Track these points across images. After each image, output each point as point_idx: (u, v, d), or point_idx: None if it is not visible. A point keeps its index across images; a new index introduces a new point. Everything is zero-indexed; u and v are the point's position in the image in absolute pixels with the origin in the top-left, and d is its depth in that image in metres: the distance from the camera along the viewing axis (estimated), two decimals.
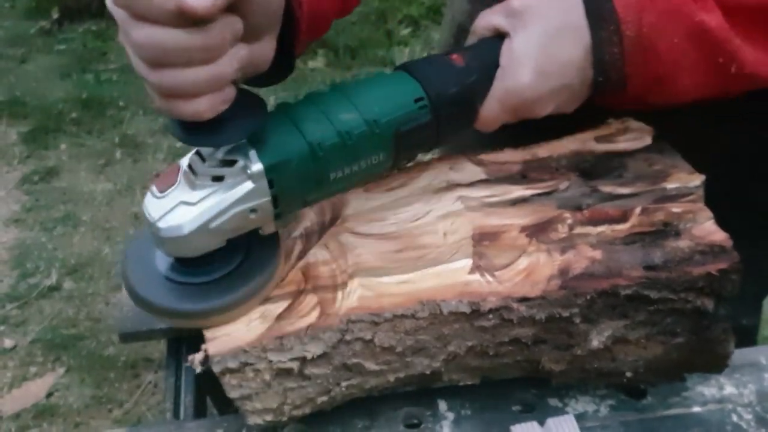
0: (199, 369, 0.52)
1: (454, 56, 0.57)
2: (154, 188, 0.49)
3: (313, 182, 0.51)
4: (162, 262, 0.53)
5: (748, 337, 0.86)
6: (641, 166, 0.62)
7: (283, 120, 0.50)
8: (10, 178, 2.27)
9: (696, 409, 0.60)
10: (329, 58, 2.82)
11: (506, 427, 0.57)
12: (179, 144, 2.60)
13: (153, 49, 0.41)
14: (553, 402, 0.61)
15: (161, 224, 0.48)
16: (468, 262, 0.55)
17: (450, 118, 0.55)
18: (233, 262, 0.53)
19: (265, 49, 0.47)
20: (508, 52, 0.56)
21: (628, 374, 0.58)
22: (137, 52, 0.42)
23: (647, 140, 0.64)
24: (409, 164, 0.59)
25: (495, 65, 0.57)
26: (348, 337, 0.52)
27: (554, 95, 0.56)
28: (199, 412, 0.73)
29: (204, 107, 0.44)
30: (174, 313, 0.51)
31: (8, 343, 1.73)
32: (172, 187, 0.49)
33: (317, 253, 0.57)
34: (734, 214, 0.57)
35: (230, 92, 0.45)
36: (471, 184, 0.62)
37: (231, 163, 0.48)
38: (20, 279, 1.90)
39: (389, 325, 0.52)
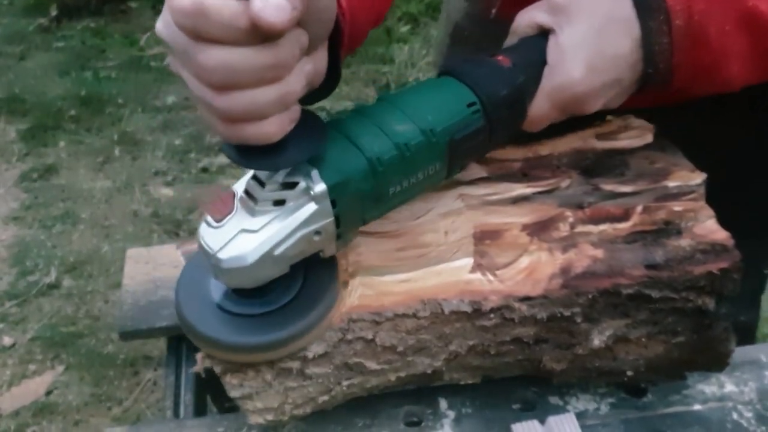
0: (201, 369, 0.52)
1: (500, 57, 0.55)
2: (208, 218, 0.47)
3: (373, 199, 0.49)
4: (220, 292, 0.51)
5: (747, 334, 0.86)
6: (643, 164, 0.62)
7: (338, 137, 0.48)
8: (9, 176, 2.27)
9: (696, 407, 0.60)
10: None
11: (507, 426, 0.57)
12: (178, 141, 2.59)
13: (222, 72, 0.39)
14: (554, 400, 0.61)
15: (222, 255, 0.45)
16: (469, 261, 0.55)
17: (502, 121, 0.54)
18: (294, 288, 0.51)
19: (321, 61, 0.46)
20: (555, 48, 0.55)
21: (629, 373, 0.58)
22: (204, 77, 0.39)
23: (649, 138, 0.64)
24: (460, 172, 0.57)
25: (542, 63, 0.56)
26: (349, 336, 0.52)
27: (605, 90, 0.55)
28: (199, 410, 0.73)
29: (273, 129, 0.41)
30: (241, 347, 0.49)
31: (7, 340, 1.73)
32: (230, 216, 0.46)
33: None
34: (731, 209, 0.57)
35: (296, 111, 0.43)
36: (472, 182, 0.62)
37: (292, 185, 0.46)
38: (19, 277, 1.90)
39: (390, 324, 0.52)
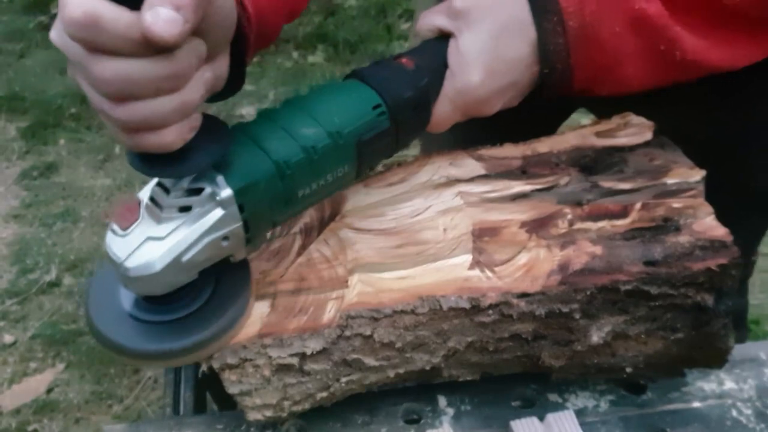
0: (205, 366, 0.52)
1: (404, 59, 0.56)
2: (114, 226, 0.46)
3: (282, 202, 0.49)
4: (129, 299, 0.50)
5: (736, 321, 0.87)
6: (642, 161, 0.62)
7: (245, 141, 0.48)
8: (9, 174, 2.27)
9: (696, 404, 0.60)
10: (328, 53, 2.81)
11: (506, 423, 0.57)
12: None
13: (119, 83, 0.38)
14: (553, 397, 0.61)
15: (129, 263, 0.45)
16: (468, 258, 0.55)
17: (407, 122, 0.54)
18: (204, 294, 0.51)
19: (222, 67, 0.45)
20: (455, 52, 0.56)
21: (628, 369, 0.58)
22: (100, 88, 0.39)
23: (648, 135, 0.64)
24: (370, 173, 0.58)
25: (444, 66, 0.57)
26: (347, 333, 0.52)
27: (503, 93, 0.57)
28: (199, 407, 0.73)
29: (173, 138, 0.41)
30: (149, 354, 0.49)
31: (8, 338, 1.73)
32: (136, 223, 0.46)
33: (317, 249, 0.57)
34: (718, 195, 0.58)
35: (197, 119, 0.43)
36: (471, 180, 0.62)
37: (198, 191, 0.45)
38: (20, 275, 1.90)
39: (389, 320, 0.52)
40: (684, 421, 0.59)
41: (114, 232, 0.46)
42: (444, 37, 0.58)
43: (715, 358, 0.58)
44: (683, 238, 0.54)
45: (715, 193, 0.59)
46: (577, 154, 0.63)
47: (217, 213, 0.46)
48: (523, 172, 0.62)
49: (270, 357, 0.51)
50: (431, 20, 0.59)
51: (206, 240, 0.46)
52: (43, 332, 1.74)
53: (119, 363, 1.66)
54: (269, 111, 0.51)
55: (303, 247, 0.57)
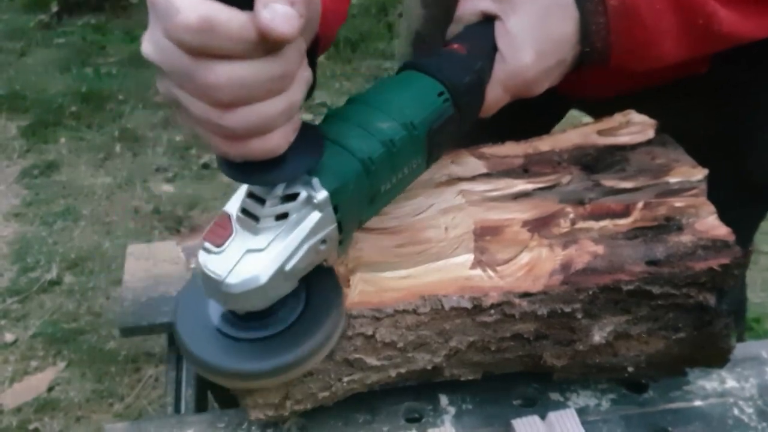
0: None
1: (455, 46, 0.56)
2: (207, 245, 0.45)
3: (368, 200, 0.49)
4: (221, 318, 0.49)
5: (735, 315, 0.87)
6: (644, 160, 0.61)
7: (327, 143, 0.47)
8: (10, 173, 2.27)
9: (697, 403, 0.60)
10: (329, 51, 2.81)
11: (507, 421, 0.57)
12: (179, 137, 2.59)
13: (233, 88, 0.37)
14: (555, 396, 0.61)
15: (232, 280, 0.44)
16: (470, 257, 0.55)
17: (468, 107, 0.55)
18: (299, 306, 0.50)
19: (309, 67, 0.45)
20: (504, 35, 0.57)
21: (630, 369, 0.58)
22: (211, 96, 0.37)
23: (650, 134, 0.64)
24: (436, 162, 0.58)
25: (493, 49, 0.57)
26: (349, 332, 0.52)
27: (551, 72, 0.57)
28: (201, 406, 0.73)
29: (279, 141, 0.40)
30: (254, 374, 0.48)
31: (9, 337, 1.73)
32: (230, 238, 0.45)
33: None
34: (717, 187, 0.59)
35: (298, 120, 0.42)
36: (473, 178, 0.62)
37: (293, 197, 0.44)
38: (21, 273, 1.90)
39: (391, 320, 0.52)
40: (685, 419, 0.59)
41: (208, 250, 0.45)
42: (488, 21, 0.58)
43: (717, 358, 0.58)
44: (685, 238, 0.54)
45: (714, 186, 0.59)
46: (579, 152, 0.63)
47: (315, 216, 0.45)
48: (525, 170, 0.62)
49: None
50: (474, 4, 0.59)
51: (306, 245, 0.45)
52: (44, 331, 1.74)
53: (121, 361, 1.66)
54: (339, 111, 0.51)
55: None
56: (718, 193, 0.58)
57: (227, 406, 0.69)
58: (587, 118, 0.86)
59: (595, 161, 0.63)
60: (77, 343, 1.71)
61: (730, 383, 0.62)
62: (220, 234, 0.45)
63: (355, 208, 0.49)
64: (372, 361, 0.53)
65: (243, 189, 0.46)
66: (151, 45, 0.38)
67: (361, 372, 0.54)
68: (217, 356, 0.48)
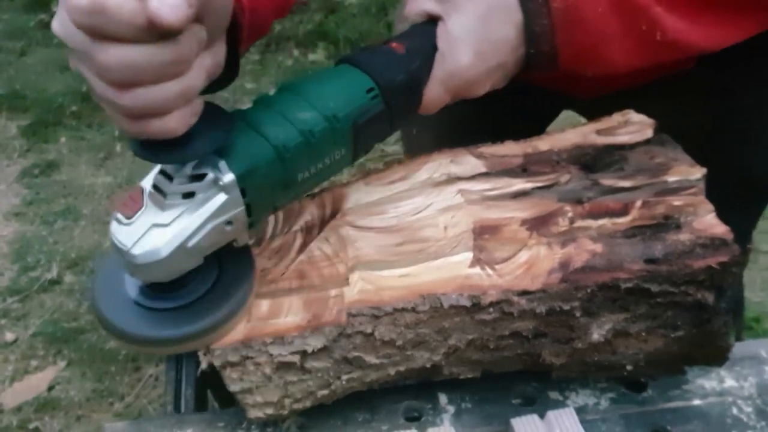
0: (205, 363, 0.52)
1: (394, 44, 0.57)
2: (119, 215, 0.47)
3: (282, 186, 0.50)
4: (134, 287, 0.51)
5: (734, 312, 0.87)
6: (642, 159, 0.61)
7: (243, 127, 0.49)
8: (10, 172, 2.27)
9: (696, 402, 0.60)
10: (329, 50, 2.81)
11: (506, 420, 0.58)
12: None
13: (124, 70, 0.39)
14: (554, 395, 0.61)
15: (136, 251, 0.46)
16: (468, 256, 0.55)
17: (400, 105, 0.55)
18: (209, 281, 0.52)
19: (220, 54, 0.46)
20: (444, 35, 0.57)
21: (629, 367, 0.58)
22: (105, 76, 0.40)
23: (648, 133, 0.64)
24: (364, 156, 0.59)
25: (433, 49, 0.57)
26: (348, 331, 0.52)
27: (491, 74, 0.58)
28: (200, 405, 0.73)
29: (176, 123, 0.42)
30: (153, 341, 0.50)
31: (9, 336, 1.73)
32: (140, 211, 0.47)
33: (318, 247, 0.57)
34: (714, 184, 0.59)
35: (199, 104, 0.44)
36: (471, 178, 0.62)
37: (200, 177, 0.46)
38: (21, 272, 1.90)
39: (390, 318, 0.52)
40: (684, 418, 0.59)
41: (119, 221, 0.47)
42: (432, 21, 0.59)
43: (716, 356, 0.58)
44: (684, 236, 0.54)
45: (712, 184, 0.59)
46: (578, 152, 0.63)
47: (221, 198, 0.47)
48: (523, 170, 0.62)
49: (271, 355, 0.51)
50: (419, 5, 0.60)
51: (210, 225, 0.47)
52: (45, 330, 1.74)
53: (121, 361, 1.66)
54: (265, 97, 0.52)
55: (304, 245, 0.57)
56: (716, 190, 0.59)
57: (227, 405, 0.69)
58: (582, 119, 0.86)
59: (593, 160, 0.63)
60: (77, 343, 1.71)
61: (729, 382, 0.62)
62: (131, 206, 0.47)
63: (267, 193, 0.50)
64: (371, 359, 0.53)
65: (158, 166, 0.47)
66: (57, 22, 0.41)
67: (360, 370, 0.54)
68: (132, 325, 0.50)
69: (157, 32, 0.38)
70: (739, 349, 0.61)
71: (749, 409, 0.60)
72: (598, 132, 0.65)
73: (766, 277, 1.72)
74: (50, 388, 1.61)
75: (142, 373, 1.64)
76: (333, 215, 0.60)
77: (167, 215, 0.46)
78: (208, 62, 0.44)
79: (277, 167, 0.49)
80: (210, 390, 0.79)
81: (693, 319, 0.55)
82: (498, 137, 0.66)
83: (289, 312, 0.52)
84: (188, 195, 0.46)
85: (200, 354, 0.52)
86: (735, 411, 0.60)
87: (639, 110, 0.68)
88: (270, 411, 0.54)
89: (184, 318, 0.50)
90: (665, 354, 0.57)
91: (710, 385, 0.62)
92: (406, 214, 0.59)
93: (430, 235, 0.57)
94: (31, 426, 1.53)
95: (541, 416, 0.57)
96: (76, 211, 2.10)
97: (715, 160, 0.62)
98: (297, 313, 0.52)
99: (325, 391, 0.55)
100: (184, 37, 0.40)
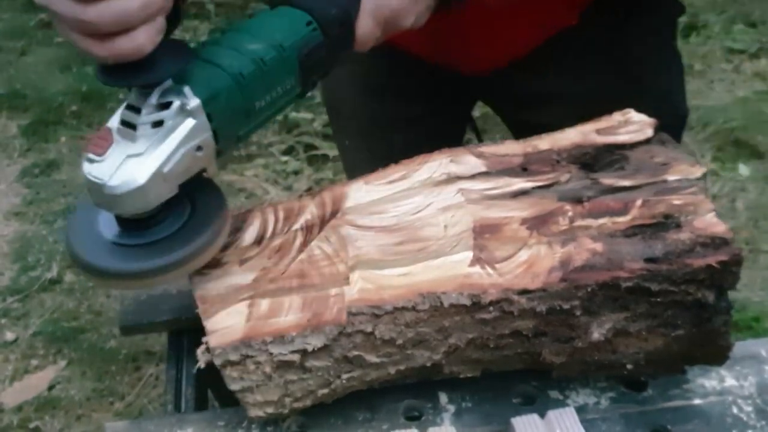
0: (203, 362, 0.52)
1: None
2: (90, 155, 0.49)
3: (243, 114, 0.53)
4: (110, 229, 0.54)
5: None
6: (642, 159, 0.61)
7: (199, 62, 0.51)
8: (10, 171, 2.27)
9: (696, 401, 0.60)
10: None
11: (507, 420, 0.57)
12: None
13: None
14: (554, 394, 0.61)
15: (114, 182, 0.48)
16: (469, 255, 0.55)
17: (336, 37, 0.58)
18: (182, 217, 0.54)
19: None
20: None
21: (629, 366, 0.58)
22: None
23: (648, 133, 0.64)
24: (312, 90, 0.62)
25: None
26: (348, 330, 0.52)
27: (414, 5, 0.61)
28: (201, 404, 0.73)
29: (144, 39, 0.44)
30: (133, 273, 0.52)
31: (9, 335, 1.73)
32: (111, 147, 0.49)
33: (318, 246, 0.57)
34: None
35: (161, 22, 0.46)
36: (472, 177, 0.62)
37: (167, 105, 0.49)
38: (21, 272, 1.90)
39: (390, 317, 0.52)
40: (685, 418, 0.59)
41: (91, 159, 0.49)
42: None
43: (716, 356, 0.58)
44: (684, 235, 0.54)
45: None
46: (578, 151, 0.63)
47: (189, 123, 0.49)
48: (523, 169, 0.62)
49: (271, 354, 0.51)
50: None
51: (182, 150, 0.50)
52: (45, 329, 1.74)
53: (122, 360, 1.66)
54: (211, 38, 0.55)
55: (304, 244, 0.57)
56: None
57: (227, 404, 0.69)
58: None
59: (594, 160, 0.63)
60: (78, 342, 1.71)
61: (730, 382, 0.62)
62: (101, 144, 0.49)
63: (231, 120, 0.52)
64: (371, 358, 0.53)
65: (123, 105, 0.50)
66: None
67: (361, 369, 0.54)
68: (110, 261, 0.52)
69: None
70: (739, 348, 0.61)
71: (749, 409, 0.60)
72: (599, 131, 0.65)
73: (766, 276, 1.72)
74: (50, 388, 1.61)
75: (143, 372, 1.64)
76: (333, 214, 0.60)
77: (140, 145, 0.49)
78: None
79: (236, 94, 0.51)
80: (210, 389, 0.79)
81: (693, 318, 0.55)
82: (424, 132, 0.74)
83: (290, 311, 0.52)
84: (157, 124, 0.49)
85: (198, 353, 0.52)
86: (735, 410, 0.60)
87: (545, 80, 0.76)
88: (270, 410, 0.54)
89: (161, 250, 0.52)
90: (665, 353, 0.57)
91: (710, 384, 0.62)
92: (406, 214, 0.59)
93: (431, 235, 0.57)
94: (32, 425, 1.53)
95: (542, 415, 0.57)
96: None
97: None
98: (297, 312, 0.52)
99: (326, 390, 0.55)
100: None
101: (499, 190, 0.60)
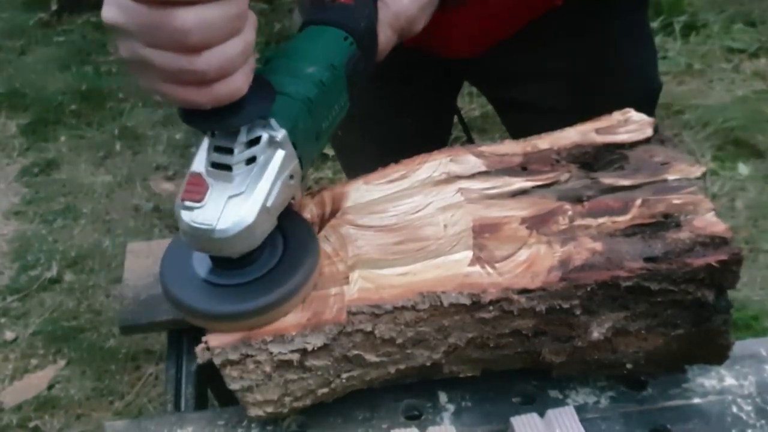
0: (202, 360, 0.52)
1: (343, 0, 0.60)
2: (187, 203, 0.48)
3: (314, 137, 0.54)
4: (204, 269, 0.53)
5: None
6: (642, 158, 0.61)
7: None
8: (10, 171, 2.27)
9: (696, 400, 0.60)
10: None
11: (506, 419, 0.58)
12: (179, 135, 2.59)
13: (201, 30, 0.40)
14: (554, 394, 0.61)
15: (222, 225, 0.48)
16: (468, 254, 0.55)
17: (369, 48, 0.59)
18: (277, 252, 0.54)
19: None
20: None
21: (629, 366, 0.58)
22: (181, 42, 0.40)
23: (648, 132, 0.64)
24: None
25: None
26: (348, 329, 0.52)
27: (426, 9, 0.63)
28: (200, 404, 0.73)
29: (241, 82, 0.44)
30: (234, 315, 0.51)
31: (9, 335, 1.73)
32: (208, 192, 0.49)
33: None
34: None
35: (253, 62, 0.45)
36: (471, 176, 0.62)
37: (257, 141, 0.49)
38: (21, 271, 1.90)
39: (390, 316, 0.52)
40: (684, 417, 0.59)
41: (189, 208, 0.49)
42: None
43: (716, 355, 0.58)
44: (683, 235, 0.54)
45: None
46: (578, 150, 0.63)
47: (280, 154, 0.50)
48: (523, 168, 0.62)
49: (271, 353, 0.51)
50: None
51: (279, 182, 0.50)
52: (44, 329, 1.74)
53: (121, 359, 1.66)
54: (267, 68, 0.54)
55: None
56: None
57: (227, 403, 0.69)
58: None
59: (593, 159, 0.63)
60: (77, 341, 1.71)
61: (729, 381, 0.62)
62: (197, 191, 0.49)
63: (307, 144, 0.53)
64: (371, 357, 0.53)
65: (203, 149, 0.49)
66: (113, 8, 0.41)
67: (360, 368, 0.54)
68: (208, 303, 0.52)
69: None
70: (738, 347, 0.61)
71: (749, 408, 0.60)
72: (598, 131, 0.65)
73: (765, 275, 1.72)
74: (50, 387, 1.61)
75: (142, 371, 1.65)
76: (333, 214, 0.60)
77: (238, 184, 0.49)
78: (254, 17, 0.45)
79: (308, 119, 0.52)
80: (210, 388, 0.79)
81: (693, 318, 0.55)
82: (418, 120, 0.76)
83: None
84: (251, 160, 0.49)
85: (197, 350, 0.52)
86: (735, 409, 0.60)
87: (531, 61, 0.79)
88: (270, 409, 0.54)
89: (260, 289, 0.52)
90: (665, 352, 0.57)
91: (710, 383, 0.62)
92: (405, 213, 0.59)
93: (430, 234, 0.57)
94: (31, 425, 1.53)
95: (541, 415, 0.57)
96: (76, 210, 2.10)
97: (606, 97, 0.67)
98: (297, 311, 0.52)
99: (325, 390, 0.55)
100: None
101: (499, 189, 0.60)
